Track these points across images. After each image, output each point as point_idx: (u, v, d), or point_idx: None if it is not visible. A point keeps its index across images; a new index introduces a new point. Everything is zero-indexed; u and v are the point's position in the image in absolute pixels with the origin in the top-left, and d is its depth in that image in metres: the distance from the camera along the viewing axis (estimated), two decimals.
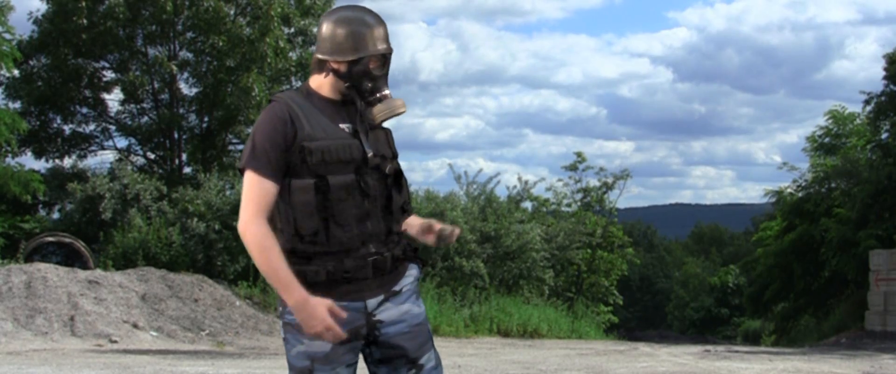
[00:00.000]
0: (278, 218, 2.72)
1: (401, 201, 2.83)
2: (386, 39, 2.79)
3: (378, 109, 2.76)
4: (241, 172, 2.74)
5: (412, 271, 2.88)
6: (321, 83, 2.81)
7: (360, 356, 2.86)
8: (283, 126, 2.68)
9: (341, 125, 2.75)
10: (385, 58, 2.78)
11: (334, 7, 2.89)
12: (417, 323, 2.82)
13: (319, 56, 2.80)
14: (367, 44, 2.74)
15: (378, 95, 2.77)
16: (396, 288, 2.81)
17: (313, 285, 2.67)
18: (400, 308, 2.80)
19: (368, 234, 2.72)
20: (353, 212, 2.69)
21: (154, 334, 11.73)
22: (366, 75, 2.75)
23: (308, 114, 2.71)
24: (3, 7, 16.04)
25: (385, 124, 2.86)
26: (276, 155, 2.66)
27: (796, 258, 22.42)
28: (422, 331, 2.83)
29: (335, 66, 2.76)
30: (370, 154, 2.72)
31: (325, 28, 2.77)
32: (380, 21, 2.79)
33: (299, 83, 20.41)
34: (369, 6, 2.87)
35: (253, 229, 2.67)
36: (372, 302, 2.75)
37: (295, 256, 2.70)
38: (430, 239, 2.91)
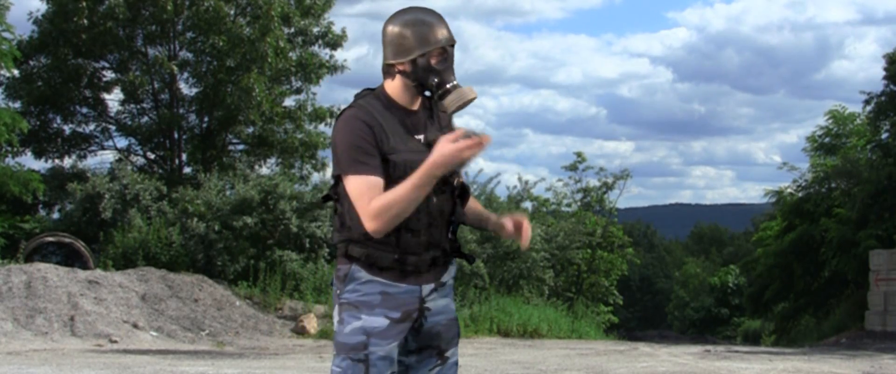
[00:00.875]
0: (351, 216, 2.78)
1: (460, 212, 2.93)
2: (444, 32, 2.83)
3: (449, 101, 2.79)
4: (336, 180, 2.81)
5: (453, 267, 2.99)
6: (394, 89, 2.86)
7: None
8: (367, 128, 2.74)
9: (417, 136, 2.83)
10: (445, 51, 2.82)
11: (396, 10, 2.92)
12: (453, 318, 2.98)
13: (387, 61, 2.87)
14: (427, 39, 2.80)
15: (447, 86, 2.80)
16: (443, 280, 2.93)
17: (380, 269, 2.80)
18: (443, 301, 2.94)
19: (433, 240, 2.84)
20: (423, 220, 2.80)
21: (154, 334, 11.73)
22: (430, 71, 2.80)
23: (387, 123, 2.78)
24: (1, 6, 16.03)
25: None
26: (371, 151, 2.72)
27: (796, 258, 22.41)
28: (455, 326, 2.98)
29: (401, 67, 2.82)
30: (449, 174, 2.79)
31: (388, 33, 2.84)
32: (436, 17, 2.85)
33: (299, 83, 20.50)
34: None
35: (371, 211, 2.69)
36: (426, 288, 2.87)
37: (362, 244, 2.79)
38: (517, 236, 2.97)
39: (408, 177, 2.70)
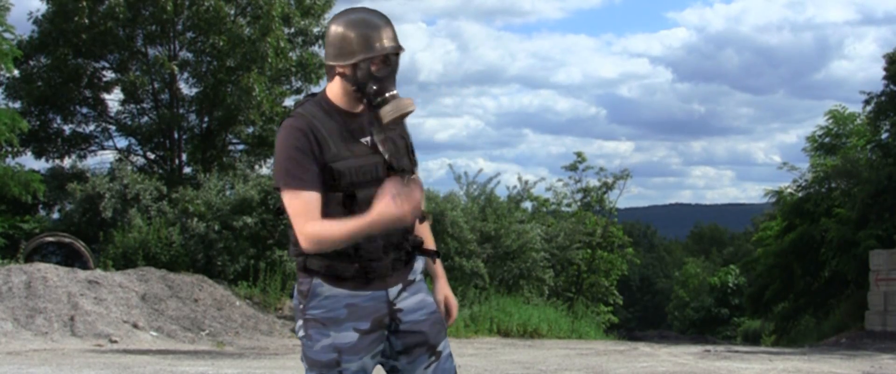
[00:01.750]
0: None
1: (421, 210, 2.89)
2: (390, 39, 2.73)
3: (385, 111, 2.70)
4: (278, 191, 2.74)
5: (419, 262, 2.95)
6: (335, 92, 2.78)
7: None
8: (306, 138, 2.68)
9: (362, 140, 2.76)
10: (389, 58, 2.73)
11: (340, 10, 2.83)
12: (432, 311, 2.92)
13: (327, 62, 2.78)
14: (370, 44, 2.70)
15: (386, 95, 2.71)
16: (411, 278, 2.90)
17: (342, 280, 2.75)
18: (416, 297, 2.89)
19: (391, 243, 2.79)
20: None
21: (154, 334, 11.73)
22: (370, 77, 2.71)
23: (330, 131, 2.71)
24: (2, 7, 16.02)
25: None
26: (310, 166, 2.66)
27: (796, 258, 22.40)
28: (439, 319, 2.93)
29: (341, 70, 2.74)
30: (397, 168, 2.77)
31: (331, 32, 2.75)
32: (383, 20, 2.74)
33: (299, 84, 20.51)
34: (370, 6, 2.85)
35: (307, 233, 2.66)
36: (393, 291, 2.84)
37: (321, 256, 2.74)
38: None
39: (356, 184, 2.68)
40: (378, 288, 2.80)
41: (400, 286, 2.85)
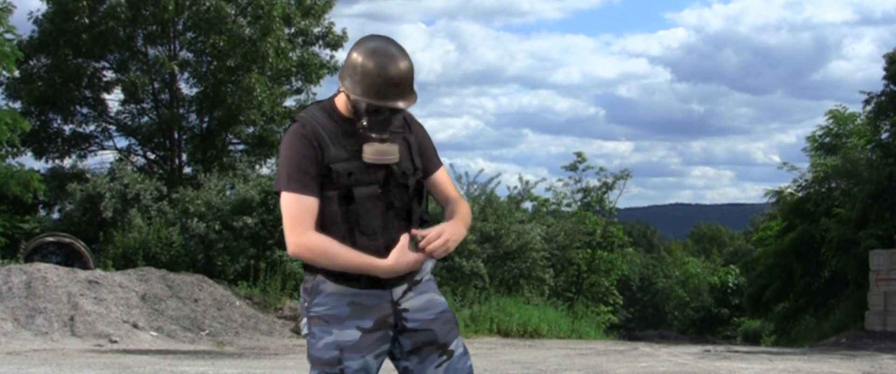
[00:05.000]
0: None
1: (420, 211, 2.90)
2: (397, 96, 2.70)
3: (366, 152, 2.74)
4: (278, 195, 2.80)
5: (429, 262, 2.94)
6: (341, 103, 2.84)
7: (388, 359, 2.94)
8: (309, 144, 2.73)
9: (364, 144, 2.78)
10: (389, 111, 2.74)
11: (370, 37, 2.81)
12: (443, 311, 2.91)
13: (340, 78, 2.83)
14: (374, 92, 2.69)
15: (373, 136, 2.74)
16: (417, 278, 2.90)
17: (338, 276, 2.77)
18: (423, 297, 2.89)
19: (391, 241, 2.78)
20: (377, 222, 2.77)
21: (154, 334, 11.73)
22: (366, 115, 2.75)
23: (332, 135, 2.77)
24: (5, 8, 16.02)
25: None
26: (309, 169, 2.72)
27: (796, 258, 22.39)
28: (449, 319, 2.91)
29: (344, 90, 2.78)
30: (397, 170, 2.79)
31: (350, 57, 2.76)
32: (399, 73, 2.70)
33: (299, 84, 20.50)
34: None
35: (303, 241, 2.72)
36: (397, 291, 2.84)
37: None
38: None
39: (353, 184, 2.72)
40: (381, 287, 2.81)
41: (404, 286, 2.86)
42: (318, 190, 2.73)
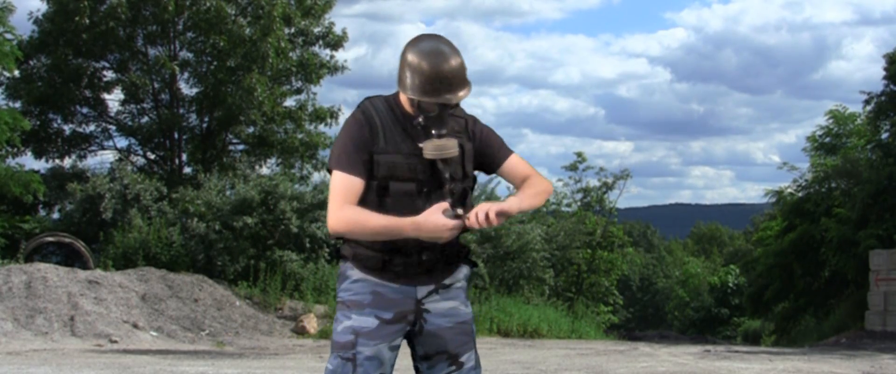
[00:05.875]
0: None
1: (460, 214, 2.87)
2: (449, 91, 2.77)
3: (426, 149, 2.79)
4: (329, 172, 2.88)
5: (463, 270, 2.96)
6: (403, 98, 2.89)
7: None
8: (362, 130, 2.81)
9: (419, 144, 2.81)
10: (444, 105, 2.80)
11: (419, 35, 2.92)
12: (462, 322, 2.92)
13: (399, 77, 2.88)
14: (426, 91, 2.77)
15: (433, 132, 2.80)
16: (447, 282, 2.90)
17: (368, 269, 2.82)
18: (448, 303, 2.90)
19: (421, 242, 2.78)
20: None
21: (154, 334, 11.73)
22: (422, 112, 2.81)
23: (386, 126, 2.83)
24: (5, 8, 16.02)
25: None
26: (359, 154, 2.79)
27: (796, 258, 22.40)
28: (465, 330, 2.92)
29: (401, 90, 2.85)
30: (447, 179, 2.81)
31: (405, 57, 2.82)
32: (451, 70, 2.78)
33: (300, 84, 20.51)
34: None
35: (339, 215, 2.77)
36: (422, 290, 2.86)
37: (352, 243, 2.86)
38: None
39: (391, 177, 2.77)
40: (406, 284, 2.83)
41: (431, 287, 2.87)
42: (365, 173, 2.79)
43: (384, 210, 2.76)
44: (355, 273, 2.85)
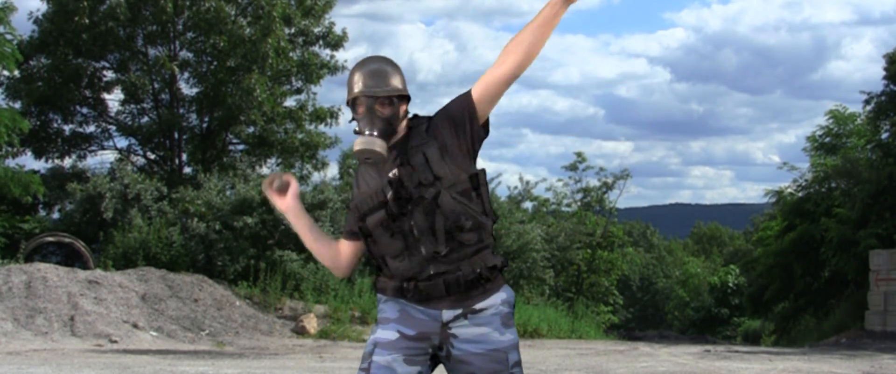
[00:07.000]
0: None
1: (444, 221, 2.76)
2: (360, 83, 2.82)
3: (355, 144, 2.81)
4: None
5: (501, 295, 2.85)
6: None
7: None
8: (354, 188, 2.97)
9: (389, 172, 2.80)
10: (360, 100, 2.82)
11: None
12: (494, 348, 2.80)
13: None
14: (350, 87, 2.87)
15: (366, 132, 2.79)
16: (477, 307, 2.80)
17: (385, 290, 2.89)
18: (478, 329, 2.80)
19: (424, 258, 2.77)
20: (398, 244, 2.80)
21: (154, 334, 11.73)
22: (357, 118, 2.85)
23: (364, 172, 2.92)
24: (6, 8, 16.01)
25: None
26: (352, 216, 2.96)
27: (796, 258, 22.40)
28: (498, 359, 2.80)
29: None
30: (389, 194, 2.78)
31: None
32: (363, 64, 2.88)
33: (300, 84, 20.50)
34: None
35: None
36: (447, 314, 2.79)
37: (376, 272, 2.97)
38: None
39: (365, 214, 2.85)
40: (432, 307, 2.80)
41: (458, 311, 2.79)
42: (355, 237, 2.95)
43: (376, 247, 2.84)
44: (385, 296, 2.90)
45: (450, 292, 2.77)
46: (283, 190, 3.03)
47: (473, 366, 2.78)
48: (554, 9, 2.87)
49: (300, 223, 3.00)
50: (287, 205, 3.00)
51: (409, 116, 2.91)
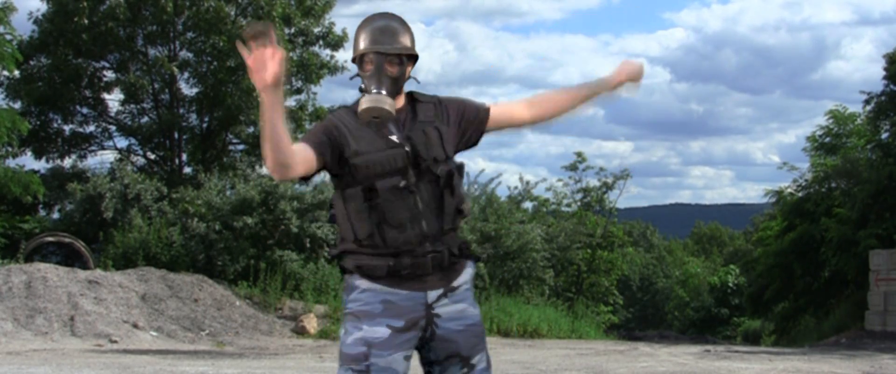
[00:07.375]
0: (339, 225, 2.84)
1: (454, 202, 2.84)
2: (373, 40, 2.81)
3: (361, 102, 2.75)
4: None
5: (469, 270, 2.93)
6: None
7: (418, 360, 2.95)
8: (327, 128, 2.80)
9: (391, 136, 2.80)
10: (368, 57, 2.80)
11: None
12: (472, 323, 2.89)
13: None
14: (356, 44, 2.85)
15: (373, 90, 2.76)
16: (454, 284, 2.87)
17: (376, 278, 2.78)
18: (457, 306, 2.87)
19: (423, 234, 2.78)
20: (404, 214, 2.77)
21: (154, 334, 11.73)
22: (363, 76, 2.83)
23: (354, 130, 2.80)
24: (6, 8, 16.01)
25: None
26: (320, 137, 2.76)
27: (796, 258, 22.38)
28: (476, 333, 2.90)
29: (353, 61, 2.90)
30: (425, 156, 2.79)
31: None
32: (374, 23, 2.85)
33: (299, 84, 20.52)
34: (367, 7, 2.92)
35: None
36: (432, 294, 2.83)
37: (357, 253, 2.80)
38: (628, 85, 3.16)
39: (374, 176, 2.75)
40: (416, 289, 2.80)
41: (440, 291, 2.83)
42: (317, 149, 2.73)
43: (377, 213, 2.74)
44: (363, 283, 2.80)
45: (434, 270, 2.81)
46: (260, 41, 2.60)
47: (457, 343, 2.84)
48: (600, 90, 3.05)
49: (278, 103, 2.54)
50: (274, 75, 2.52)
51: (406, 91, 2.93)
